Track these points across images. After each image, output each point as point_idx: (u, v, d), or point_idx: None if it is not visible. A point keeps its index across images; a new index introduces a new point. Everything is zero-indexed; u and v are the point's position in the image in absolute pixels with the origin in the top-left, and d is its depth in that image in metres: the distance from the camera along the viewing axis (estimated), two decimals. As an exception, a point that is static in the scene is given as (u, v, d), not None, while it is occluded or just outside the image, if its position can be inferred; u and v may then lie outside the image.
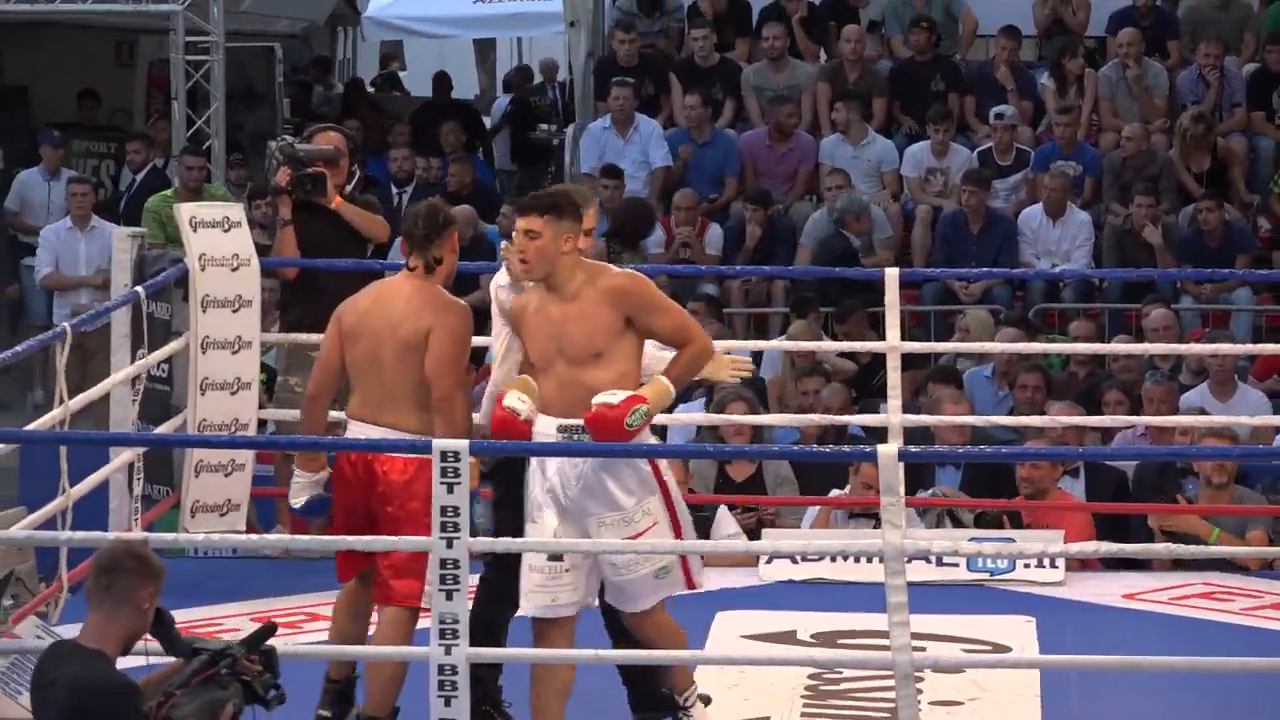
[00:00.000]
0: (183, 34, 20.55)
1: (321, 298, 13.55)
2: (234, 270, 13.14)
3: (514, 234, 10.36)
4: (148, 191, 18.48)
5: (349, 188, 14.26)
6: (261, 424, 13.76)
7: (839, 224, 14.08)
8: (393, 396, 10.54)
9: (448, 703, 9.35)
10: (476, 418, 10.50)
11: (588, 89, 20.95)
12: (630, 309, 10.05)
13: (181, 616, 10.20)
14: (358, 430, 10.68)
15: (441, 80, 23.66)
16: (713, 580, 13.29)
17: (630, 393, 9.90)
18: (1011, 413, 15.92)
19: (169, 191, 17.73)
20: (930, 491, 14.56)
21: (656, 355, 10.51)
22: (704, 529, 13.84)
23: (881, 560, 9.72)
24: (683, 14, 21.17)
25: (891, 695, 10.08)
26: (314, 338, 13.56)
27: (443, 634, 9.35)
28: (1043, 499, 14.32)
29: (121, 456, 12.36)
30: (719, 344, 11.38)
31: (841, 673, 11.57)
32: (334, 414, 11.15)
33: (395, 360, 10.52)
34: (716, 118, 20.08)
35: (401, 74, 24.09)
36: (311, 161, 14.03)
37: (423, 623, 9.72)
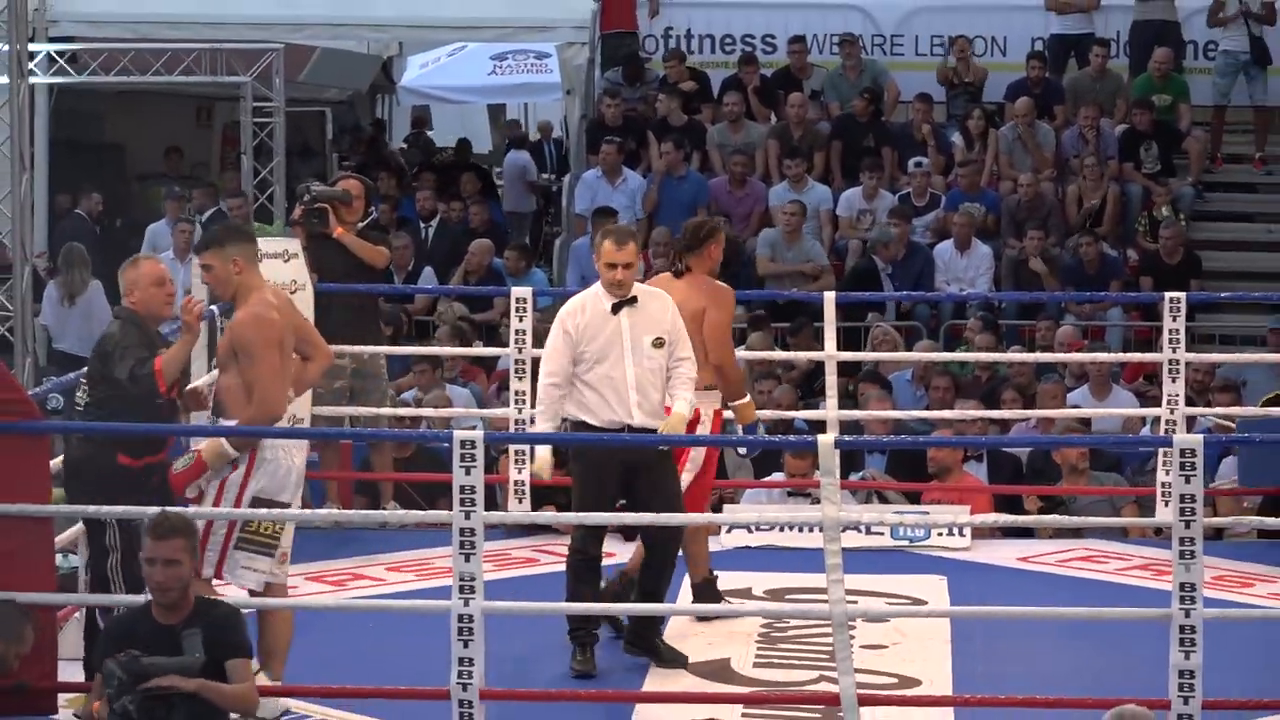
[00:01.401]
0: (250, 100, 20.58)
1: (335, 314, 13.71)
2: (292, 293, 13.11)
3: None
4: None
5: (362, 224, 14.35)
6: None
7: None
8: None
9: (465, 645, 9.35)
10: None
11: (580, 145, 20.95)
12: (235, 346, 9.88)
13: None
14: None
15: (463, 144, 23.66)
16: None
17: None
18: (927, 409, 15.95)
19: (217, 229, 17.77)
20: (860, 475, 14.60)
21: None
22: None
23: (821, 530, 9.81)
24: (658, 84, 21.13)
25: (829, 640, 10.08)
26: (337, 349, 13.78)
27: (461, 589, 9.34)
28: (950, 479, 14.40)
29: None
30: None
31: (788, 622, 11.63)
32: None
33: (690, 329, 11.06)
34: (688, 162, 20.09)
35: (429, 133, 23.99)
36: (322, 200, 14.14)
37: (444, 580, 9.64)
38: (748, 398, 11.97)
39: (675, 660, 10.63)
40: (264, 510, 9.82)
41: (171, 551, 8.49)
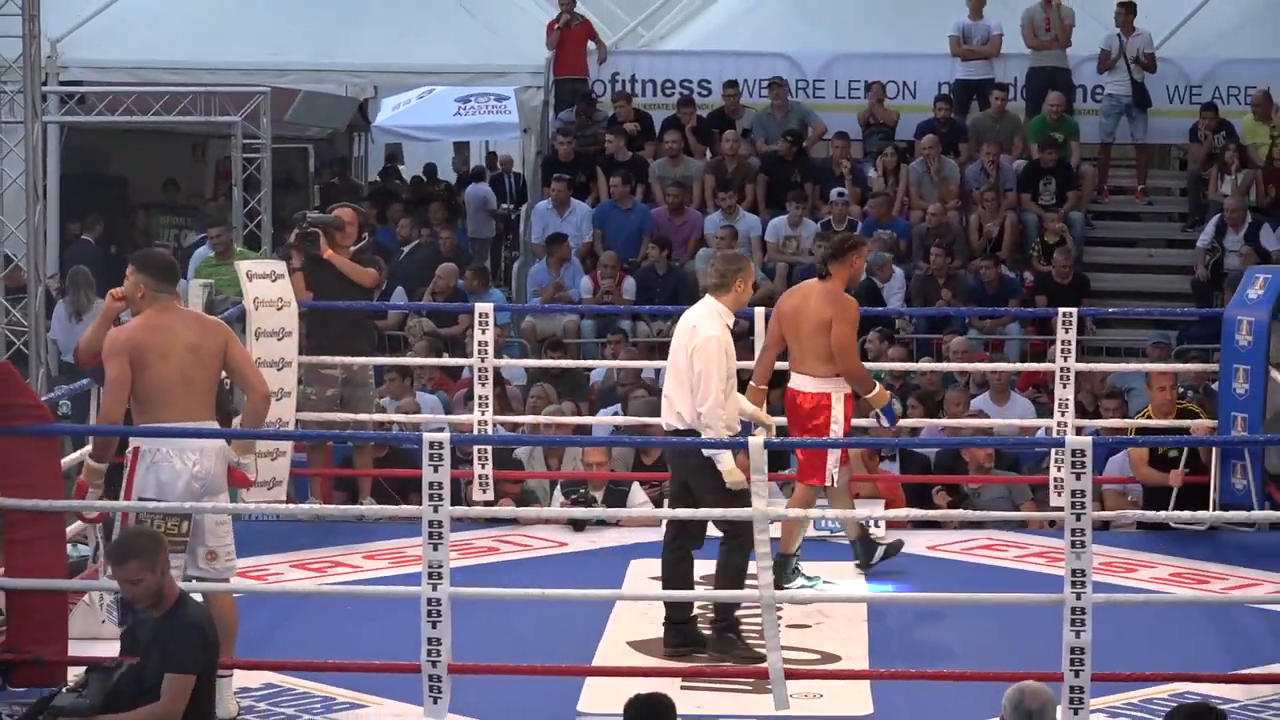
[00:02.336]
0: (241, 138, 20.54)
1: (329, 328, 13.79)
2: (279, 310, 13.13)
3: None
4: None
5: (355, 248, 14.34)
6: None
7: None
8: (808, 355, 11.77)
9: (434, 626, 9.34)
10: None
11: (536, 178, 20.95)
12: None
13: (242, 564, 10.38)
14: (794, 378, 12.00)
15: (430, 169, 23.68)
16: (628, 536, 13.48)
17: None
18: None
19: (212, 256, 17.73)
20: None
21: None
22: (621, 500, 13.97)
23: (752, 521, 9.83)
24: (606, 124, 21.13)
25: (760, 619, 10.15)
26: (326, 359, 13.82)
27: (430, 575, 9.34)
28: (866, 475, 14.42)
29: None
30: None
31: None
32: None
33: (813, 334, 11.70)
34: (633, 194, 20.09)
35: (400, 167, 23.99)
36: (316, 226, 14.16)
37: (415, 567, 9.63)
38: (877, 389, 12.16)
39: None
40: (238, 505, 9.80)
41: (130, 573, 8.37)
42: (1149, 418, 14.00)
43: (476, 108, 23.82)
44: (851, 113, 21.28)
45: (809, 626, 11.10)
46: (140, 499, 9.57)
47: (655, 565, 12.49)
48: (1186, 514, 12.46)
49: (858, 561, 12.30)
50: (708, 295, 10.93)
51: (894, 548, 12.21)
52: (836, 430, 11.76)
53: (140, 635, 8.51)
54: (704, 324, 10.62)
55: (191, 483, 9.67)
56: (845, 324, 11.92)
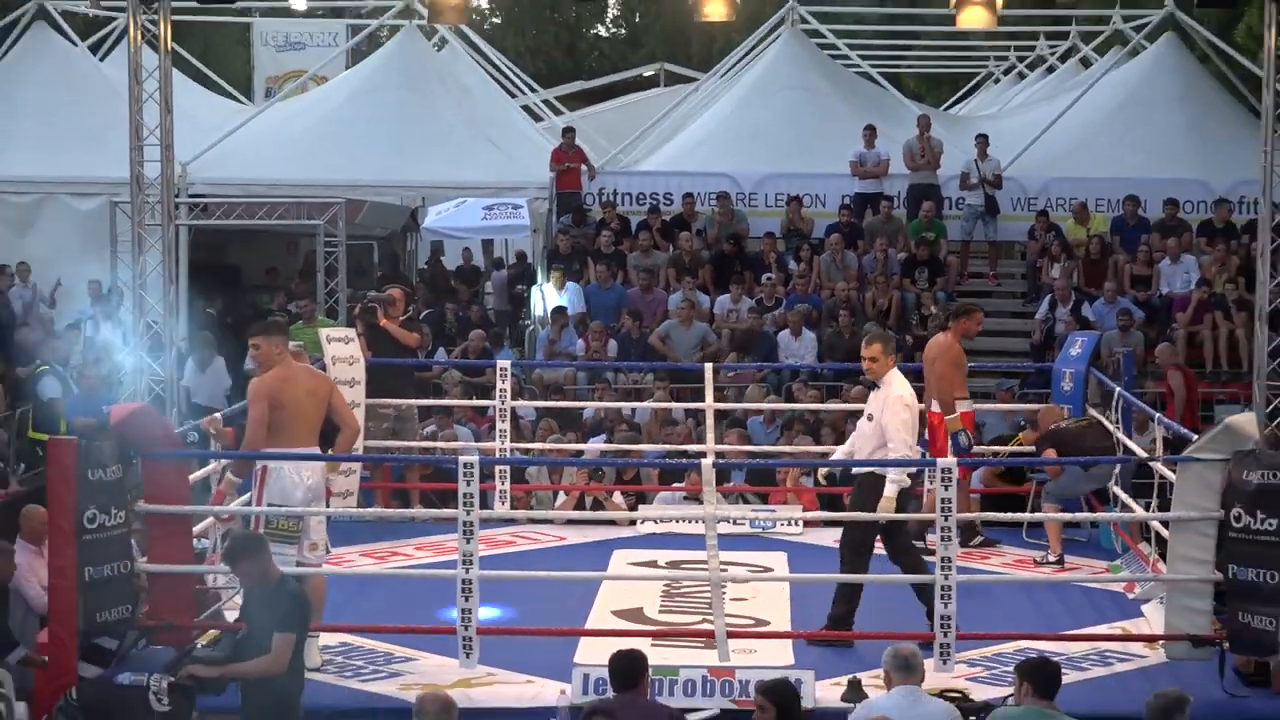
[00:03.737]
0: (323, 236, 20.60)
1: (383, 379, 13.81)
2: (350, 364, 13.18)
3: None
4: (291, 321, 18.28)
5: (404, 318, 14.43)
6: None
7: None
8: (933, 388, 12.42)
9: (466, 599, 9.39)
10: None
11: (543, 266, 20.94)
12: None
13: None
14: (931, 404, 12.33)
15: (467, 255, 23.64)
16: (610, 533, 13.49)
17: None
18: (775, 442, 15.99)
19: (300, 322, 17.73)
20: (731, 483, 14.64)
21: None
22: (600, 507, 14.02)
23: (704, 521, 9.89)
24: (595, 226, 21.12)
25: (709, 594, 10.17)
26: (382, 401, 13.87)
27: (463, 562, 9.39)
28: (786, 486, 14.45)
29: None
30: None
31: (682, 582, 11.68)
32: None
33: (935, 372, 12.44)
34: (615, 278, 20.04)
35: (441, 258, 23.93)
36: (373, 302, 14.28)
37: (452, 555, 9.58)
38: (952, 416, 12.42)
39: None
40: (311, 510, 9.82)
41: (241, 570, 8.43)
42: (1020, 444, 14.07)
43: (498, 214, 23.75)
44: (777, 218, 21.22)
45: (745, 599, 11.17)
46: (269, 504, 9.75)
47: (631, 553, 12.67)
48: (1025, 515, 12.55)
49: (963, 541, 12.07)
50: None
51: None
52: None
53: (251, 608, 8.54)
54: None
55: (306, 492, 9.86)
56: (948, 364, 12.47)
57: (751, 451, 15.23)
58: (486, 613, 10.02)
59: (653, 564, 12.36)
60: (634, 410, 16.57)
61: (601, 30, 59.18)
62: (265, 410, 9.74)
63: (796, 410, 16.34)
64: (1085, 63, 27.74)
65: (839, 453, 11.61)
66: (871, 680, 8.92)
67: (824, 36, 24.98)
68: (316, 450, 10.12)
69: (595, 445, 15.42)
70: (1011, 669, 8.57)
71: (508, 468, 13.86)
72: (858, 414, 15.68)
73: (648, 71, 35.48)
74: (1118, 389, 13.92)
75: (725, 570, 10.60)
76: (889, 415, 10.43)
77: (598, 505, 14.14)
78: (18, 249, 20.68)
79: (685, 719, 8.37)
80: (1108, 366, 16.52)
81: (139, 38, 15.87)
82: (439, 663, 9.77)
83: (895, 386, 10.51)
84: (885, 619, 10.25)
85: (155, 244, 16.41)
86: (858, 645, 10.01)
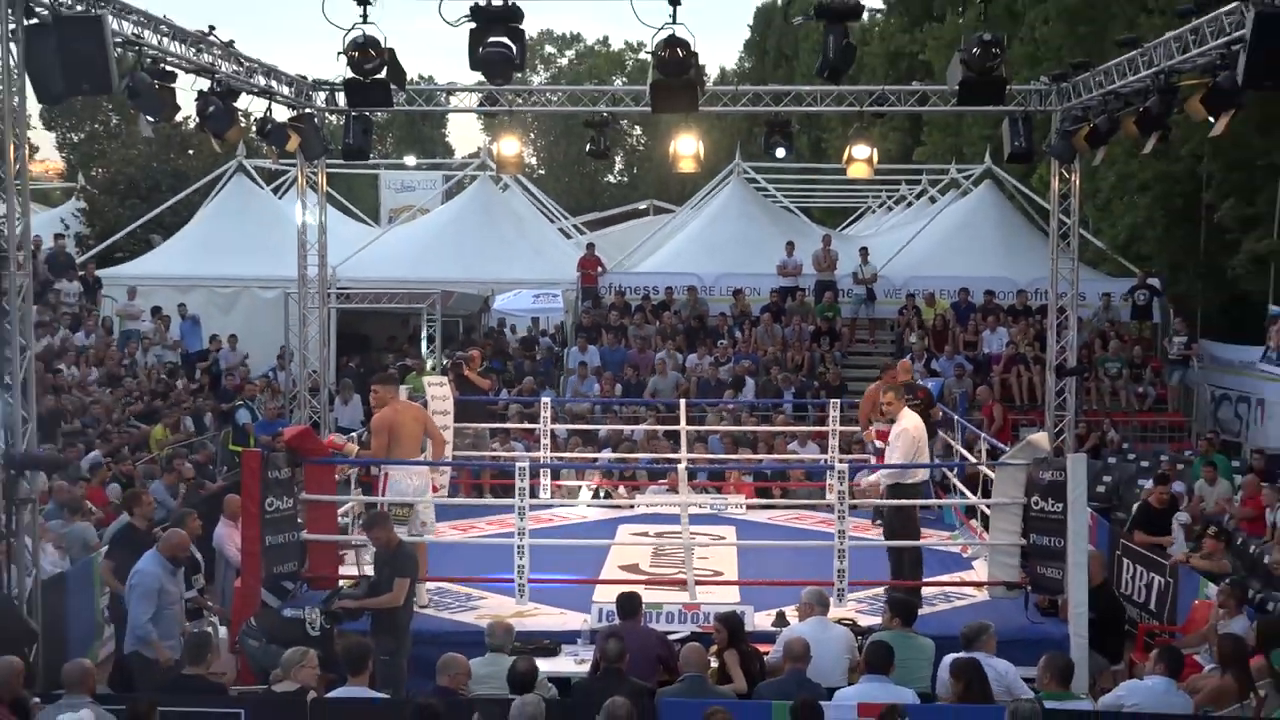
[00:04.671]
0: (426, 316, 20.65)
1: (466, 411, 13.77)
2: (444, 401, 13.01)
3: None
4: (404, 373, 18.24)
5: (481, 369, 14.44)
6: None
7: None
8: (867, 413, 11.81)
9: (520, 557, 9.33)
10: None
11: (572, 336, 20.90)
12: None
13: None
14: None
15: (530, 329, 23.71)
16: (618, 513, 13.39)
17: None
18: (726, 452, 15.91)
19: (412, 373, 17.74)
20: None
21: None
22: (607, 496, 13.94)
23: (679, 506, 9.86)
24: (607, 309, 21.01)
25: (683, 555, 10.15)
26: (466, 425, 13.70)
27: (519, 533, 9.36)
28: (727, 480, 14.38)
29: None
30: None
31: (665, 548, 11.58)
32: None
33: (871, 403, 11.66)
34: (620, 343, 19.98)
35: (505, 330, 23.93)
36: (459, 359, 14.28)
37: (511, 528, 9.53)
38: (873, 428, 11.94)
39: None
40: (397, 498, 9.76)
41: (374, 534, 8.52)
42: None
43: (542, 300, 23.91)
44: (728, 303, 21.14)
45: (708, 558, 11.08)
46: (389, 496, 9.76)
47: (632, 528, 12.50)
48: (906, 501, 12.53)
49: None
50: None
51: None
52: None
53: (379, 562, 8.54)
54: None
55: (414, 489, 9.87)
56: (872, 399, 11.98)
57: (711, 459, 15.22)
58: (535, 568, 9.99)
59: (645, 534, 12.28)
60: (632, 431, 16.59)
61: (611, 178, 59.42)
62: (386, 436, 9.75)
63: (741, 431, 16.35)
64: (932, 200, 27.83)
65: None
66: (792, 613, 8.91)
67: (759, 182, 25.09)
68: (418, 457, 10.11)
69: (606, 455, 15.41)
70: (884, 604, 8.61)
71: (548, 470, 13.86)
72: (785, 434, 15.89)
73: (641, 205, 35.47)
74: (955, 416, 13.94)
75: (694, 538, 10.64)
76: (896, 439, 10.13)
77: (608, 495, 14.14)
78: (223, 324, 20.70)
79: (668, 639, 8.34)
80: (948, 402, 16.53)
81: (304, 183, 15.93)
82: (501, 601, 9.74)
83: (904, 421, 10.12)
84: (807, 571, 10.13)
85: (314, 321, 16.45)
86: (784, 589, 9.83)
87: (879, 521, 11.47)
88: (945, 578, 10.58)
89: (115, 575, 9.10)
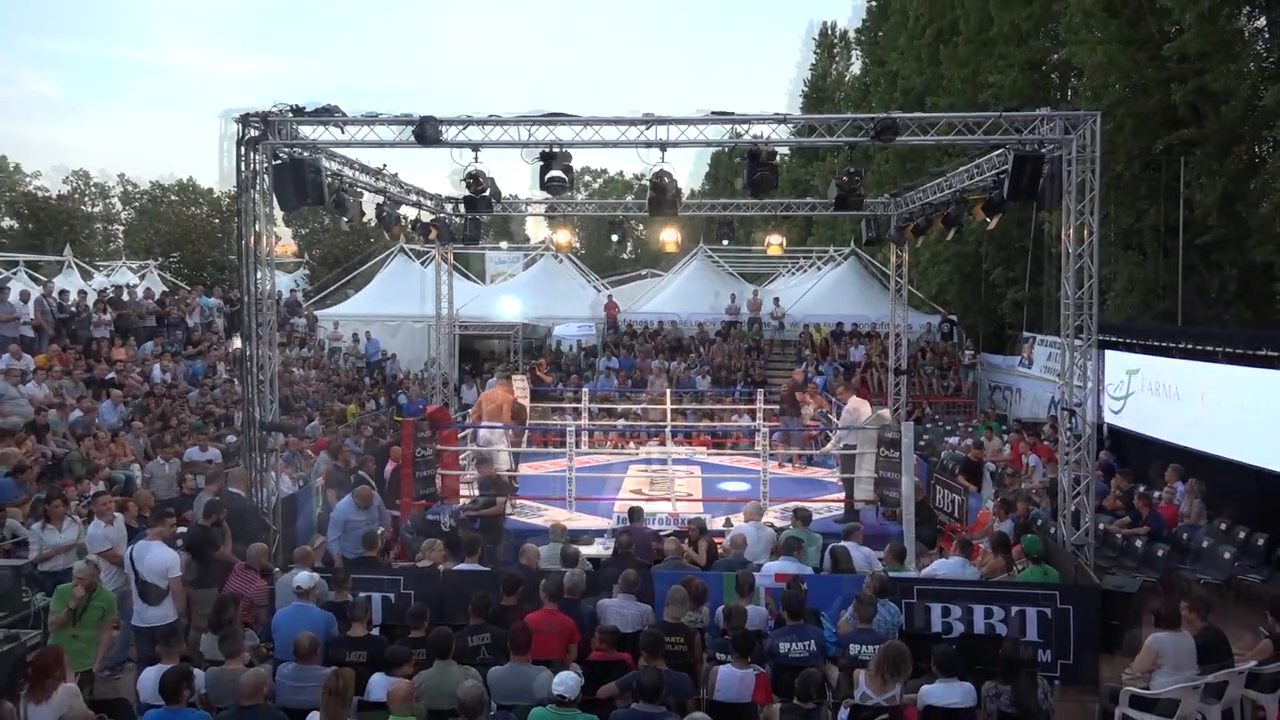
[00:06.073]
0: (512, 340, 20.33)
1: (536, 399, 13.26)
2: (523, 393, 12.53)
3: None
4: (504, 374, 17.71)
5: (548, 374, 14.15)
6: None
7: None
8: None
9: (570, 487, 9.13)
10: None
11: (600, 350, 20.42)
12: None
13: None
14: None
15: (575, 347, 23.29)
16: (628, 457, 12.74)
17: None
18: (693, 420, 15.67)
19: (506, 374, 17.39)
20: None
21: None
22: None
23: (666, 454, 9.65)
24: (621, 334, 20.75)
25: (668, 482, 10.00)
26: (537, 407, 13.16)
27: (569, 470, 9.18)
28: (695, 438, 14.10)
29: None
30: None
31: (658, 479, 11.09)
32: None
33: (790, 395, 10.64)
34: (629, 355, 19.72)
35: (561, 347, 23.45)
36: (533, 366, 14.01)
37: (563, 467, 9.36)
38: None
39: None
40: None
41: (482, 470, 8.34)
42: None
43: (583, 329, 23.67)
44: (695, 331, 20.74)
45: (683, 484, 10.63)
46: (483, 446, 9.59)
47: (638, 467, 11.89)
48: (813, 451, 12.21)
49: None
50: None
51: None
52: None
53: (483, 488, 8.46)
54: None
55: (504, 446, 9.70)
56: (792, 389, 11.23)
57: (686, 425, 14.94)
58: (578, 491, 9.84)
59: (645, 470, 11.89)
60: (638, 409, 16.44)
61: (624, 255, 59.16)
62: (497, 407, 9.64)
63: (704, 409, 16.22)
64: (819, 268, 27.61)
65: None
66: (736, 519, 8.77)
67: (714, 258, 24.95)
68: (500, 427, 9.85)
69: (621, 423, 15.27)
70: (792, 513, 8.56)
71: (586, 432, 13.66)
72: (731, 411, 15.54)
73: (643, 272, 35.43)
74: (834, 400, 13.78)
75: (675, 473, 10.47)
76: (849, 414, 9.84)
77: (622, 448, 13.95)
78: (391, 344, 20.56)
79: (659, 534, 8.17)
80: (830, 391, 16.31)
81: (440, 258, 15.80)
82: (558, 512, 9.54)
83: (851, 402, 9.91)
84: (745, 493, 9.87)
85: (445, 341, 16.25)
86: (730, 504, 9.54)
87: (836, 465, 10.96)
88: (828, 497, 10.45)
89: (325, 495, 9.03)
